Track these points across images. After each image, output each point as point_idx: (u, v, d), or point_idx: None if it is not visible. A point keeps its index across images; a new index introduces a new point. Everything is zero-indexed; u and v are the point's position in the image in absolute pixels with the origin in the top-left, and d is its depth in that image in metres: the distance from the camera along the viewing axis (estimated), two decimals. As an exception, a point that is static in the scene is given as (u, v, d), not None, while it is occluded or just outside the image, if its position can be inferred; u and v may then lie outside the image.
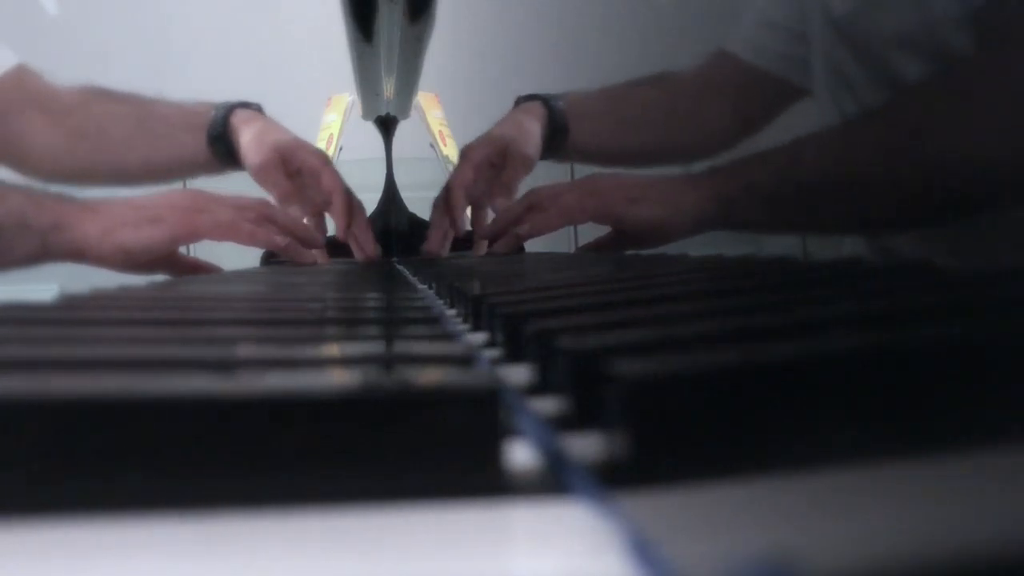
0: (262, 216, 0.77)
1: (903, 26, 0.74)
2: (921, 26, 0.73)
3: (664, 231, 0.76)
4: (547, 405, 0.18)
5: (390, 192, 0.98)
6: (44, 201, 0.72)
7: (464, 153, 0.87)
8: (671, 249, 0.77)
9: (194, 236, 0.76)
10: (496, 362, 0.25)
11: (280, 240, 0.78)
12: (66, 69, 0.90)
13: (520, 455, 0.15)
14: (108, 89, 0.91)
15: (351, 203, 0.85)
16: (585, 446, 0.15)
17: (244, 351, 0.22)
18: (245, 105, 0.88)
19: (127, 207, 0.75)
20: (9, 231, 0.69)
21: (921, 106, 0.69)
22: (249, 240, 0.77)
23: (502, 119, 0.90)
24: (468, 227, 0.90)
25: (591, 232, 0.85)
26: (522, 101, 0.92)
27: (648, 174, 0.86)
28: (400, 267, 0.81)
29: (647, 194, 0.76)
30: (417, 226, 0.98)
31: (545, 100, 0.91)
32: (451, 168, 0.96)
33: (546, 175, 0.93)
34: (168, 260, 0.76)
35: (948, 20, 0.71)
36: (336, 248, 0.93)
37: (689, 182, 0.77)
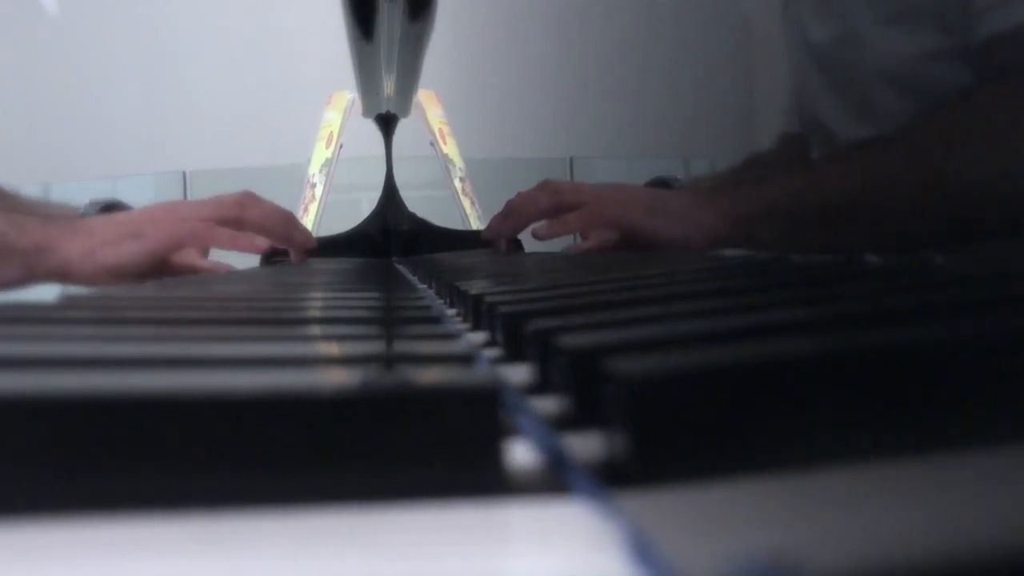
0: (237, 220, 0.76)
1: (879, 58, 0.74)
2: (897, 59, 0.73)
3: (679, 247, 0.75)
4: (547, 404, 0.18)
5: (390, 190, 0.98)
6: (26, 224, 0.71)
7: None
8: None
9: (175, 247, 0.74)
10: (496, 361, 0.25)
11: (261, 243, 0.76)
12: (66, 69, 0.90)
13: (520, 454, 0.15)
14: None
15: (284, 223, 0.81)
16: (585, 445, 0.15)
17: (243, 350, 0.22)
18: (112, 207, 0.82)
19: (108, 224, 0.74)
20: None
21: (947, 127, 0.68)
22: (230, 245, 0.76)
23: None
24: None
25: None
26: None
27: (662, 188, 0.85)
28: (400, 266, 0.81)
29: (666, 207, 0.76)
30: (416, 225, 0.98)
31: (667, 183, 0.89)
32: (451, 167, 0.95)
33: (544, 173, 0.92)
34: (161, 268, 0.75)
35: (927, 54, 0.71)
36: (335, 247, 0.93)
37: (706, 200, 0.76)
